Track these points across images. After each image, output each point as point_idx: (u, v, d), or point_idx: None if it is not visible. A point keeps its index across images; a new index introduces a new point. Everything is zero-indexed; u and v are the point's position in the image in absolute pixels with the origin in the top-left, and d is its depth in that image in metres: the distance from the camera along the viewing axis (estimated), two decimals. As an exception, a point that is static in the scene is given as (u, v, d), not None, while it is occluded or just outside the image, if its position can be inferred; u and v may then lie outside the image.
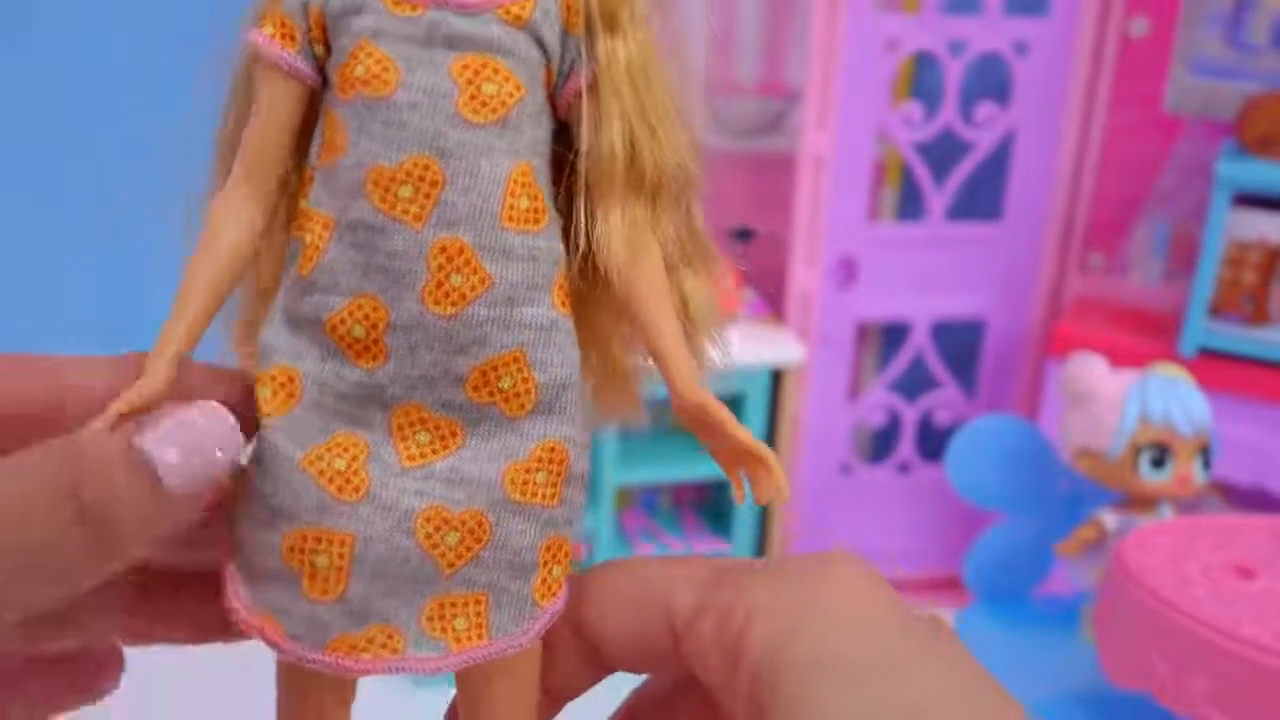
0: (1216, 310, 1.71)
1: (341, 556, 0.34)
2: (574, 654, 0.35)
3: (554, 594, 0.37)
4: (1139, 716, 1.25)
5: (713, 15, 1.95)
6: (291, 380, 0.35)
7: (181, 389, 0.32)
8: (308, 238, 0.36)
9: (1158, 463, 1.40)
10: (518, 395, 0.36)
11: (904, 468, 2.09)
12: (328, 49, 0.36)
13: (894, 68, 1.83)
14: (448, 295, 0.35)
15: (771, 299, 1.98)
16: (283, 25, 0.36)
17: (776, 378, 1.85)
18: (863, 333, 2.08)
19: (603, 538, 1.82)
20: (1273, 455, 1.72)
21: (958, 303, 1.99)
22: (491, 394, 0.37)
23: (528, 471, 0.37)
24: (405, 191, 0.35)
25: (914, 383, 2.05)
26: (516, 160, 0.36)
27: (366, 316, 0.35)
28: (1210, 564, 1.20)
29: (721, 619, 0.30)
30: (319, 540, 0.33)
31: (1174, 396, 1.40)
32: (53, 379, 0.32)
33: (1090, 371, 1.45)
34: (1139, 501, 1.44)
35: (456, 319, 0.35)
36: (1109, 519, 1.44)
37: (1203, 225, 1.71)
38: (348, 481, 0.35)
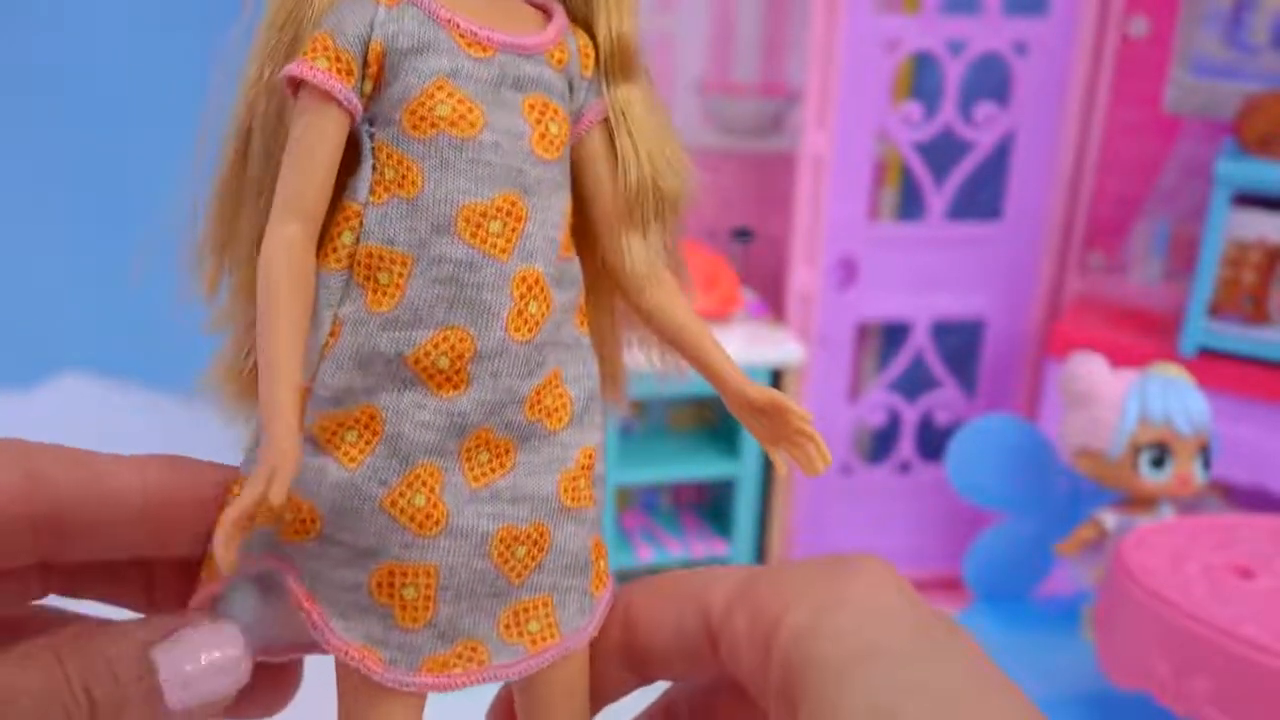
0: (1216, 310, 1.71)
1: (429, 586, 0.35)
2: (616, 657, 0.36)
3: (605, 584, 0.39)
4: (1139, 716, 1.25)
5: (712, 15, 1.95)
6: (374, 419, 0.36)
7: (199, 493, 0.33)
8: (383, 277, 0.36)
9: (1158, 462, 1.40)
10: (557, 410, 0.38)
11: (904, 468, 2.09)
12: (377, 85, 0.36)
13: (894, 68, 1.83)
14: (526, 322, 0.37)
15: (771, 299, 1.98)
16: (338, 59, 0.36)
17: (776, 378, 1.85)
18: (863, 333, 2.08)
19: (603, 538, 1.82)
20: (1272, 455, 1.72)
21: (957, 303, 1.99)
22: (538, 412, 0.38)
23: (574, 479, 0.39)
24: (495, 226, 0.36)
25: (914, 383, 2.05)
26: (568, 194, 0.38)
27: (453, 347, 0.36)
28: (1210, 564, 1.20)
29: (755, 614, 0.31)
30: (406, 574, 0.34)
31: (1174, 396, 1.40)
32: (103, 478, 0.32)
33: (1090, 371, 1.45)
34: (1139, 501, 1.44)
35: (531, 343, 0.37)
36: (1109, 519, 1.44)
37: (1203, 225, 1.71)
38: (428, 517, 0.36)
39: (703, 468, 1.89)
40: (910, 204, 2.00)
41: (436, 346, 0.36)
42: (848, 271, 1.94)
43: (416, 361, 0.36)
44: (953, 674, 0.27)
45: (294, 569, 0.35)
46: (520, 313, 0.36)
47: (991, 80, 1.88)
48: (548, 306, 0.37)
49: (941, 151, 1.90)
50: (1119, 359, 1.52)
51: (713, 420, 1.99)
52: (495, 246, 0.36)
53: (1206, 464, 1.43)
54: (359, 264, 0.37)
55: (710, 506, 2.03)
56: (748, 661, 0.32)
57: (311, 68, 0.36)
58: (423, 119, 0.36)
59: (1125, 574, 1.19)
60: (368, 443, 0.36)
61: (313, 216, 0.36)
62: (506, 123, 0.36)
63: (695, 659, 0.34)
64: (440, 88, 0.36)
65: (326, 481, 0.36)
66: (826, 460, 0.38)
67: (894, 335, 2.08)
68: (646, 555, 1.89)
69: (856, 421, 2.06)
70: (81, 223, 2.17)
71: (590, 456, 0.40)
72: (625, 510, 2.00)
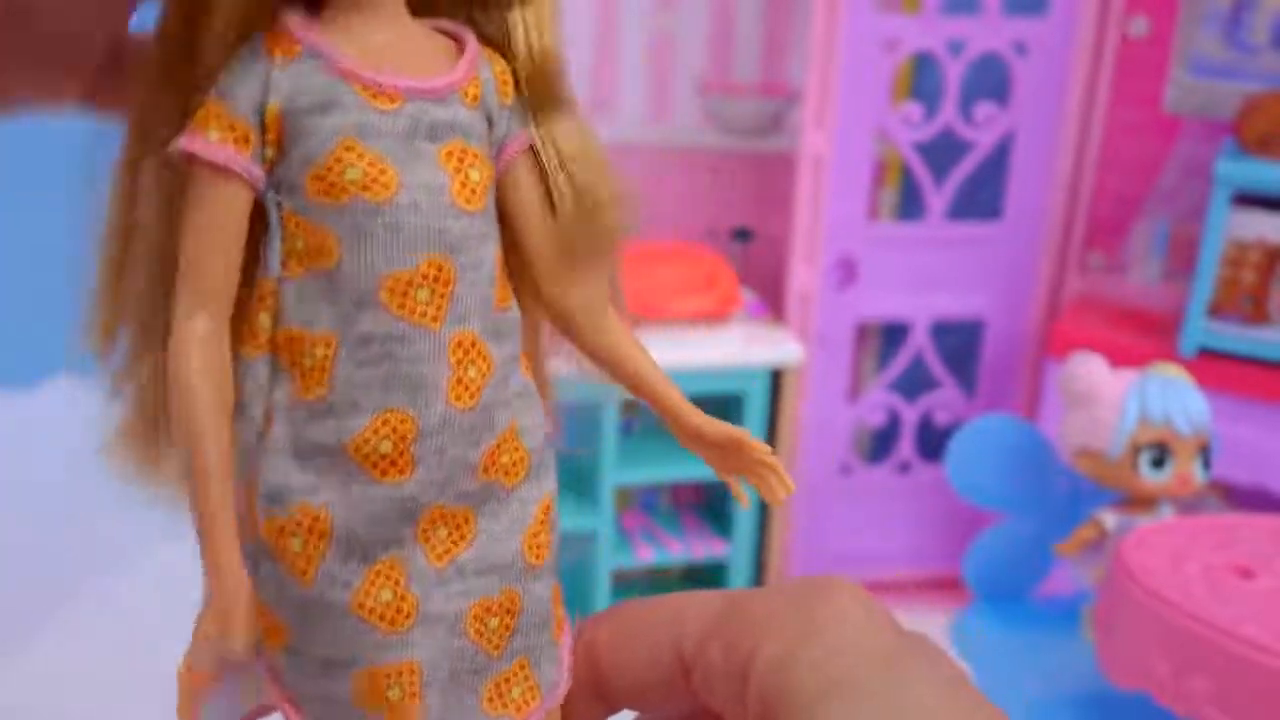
0: (1216, 310, 1.71)
1: (412, 684, 0.34)
2: (588, 691, 0.36)
3: (564, 628, 0.38)
4: (1139, 716, 1.25)
5: (712, 15, 1.95)
6: (318, 519, 0.34)
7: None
8: (308, 362, 0.34)
9: (1158, 462, 1.40)
10: (514, 465, 0.37)
11: (904, 468, 2.09)
12: (280, 150, 0.34)
13: (894, 68, 1.83)
14: (468, 389, 0.35)
15: (771, 299, 1.98)
16: (233, 128, 0.33)
17: (776, 378, 1.85)
18: (862, 333, 2.08)
19: (603, 538, 1.82)
20: (1272, 455, 1.72)
21: (957, 303, 1.99)
22: (495, 472, 0.37)
23: (535, 535, 0.38)
24: (422, 294, 0.34)
25: (914, 383, 2.05)
26: (496, 241, 0.36)
27: (394, 430, 0.34)
28: (1210, 564, 1.20)
29: (729, 646, 0.32)
30: (388, 676, 0.33)
31: (1174, 396, 1.40)
32: None
33: (1090, 371, 1.45)
34: (1139, 501, 1.44)
35: (475, 409, 0.35)
36: (1109, 519, 1.44)
37: (1202, 225, 1.71)
38: (399, 611, 0.35)
39: (703, 468, 1.86)
40: (910, 204, 2.00)
41: (376, 432, 0.34)
42: (847, 271, 1.94)
43: (358, 449, 0.34)
44: (924, 700, 0.28)
45: (275, 675, 0.34)
46: (460, 380, 0.34)
47: (991, 80, 1.88)
48: (488, 366, 0.35)
49: (941, 151, 1.90)
50: (1119, 359, 1.52)
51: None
52: (426, 315, 0.34)
53: (1206, 464, 1.43)
54: (280, 348, 0.35)
55: (710, 506, 2.03)
56: (723, 693, 0.32)
57: (204, 141, 0.34)
58: (333, 184, 0.33)
59: (1125, 574, 1.19)
60: (315, 548, 0.34)
61: (221, 306, 0.34)
62: (423, 177, 0.34)
63: (668, 691, 0.34)
64: (349, 149, 0.33)
65: (285, 595, 0.34)
66: (789, 489, 0.38)
67: (894, 335, 2.08)
68: (646, 555, 1.88)
69: (856, 421, 2.06)
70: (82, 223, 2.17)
71: (548, 507, 0.38)
72: (625, 510, 2.00)
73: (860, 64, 1.80)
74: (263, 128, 0.33)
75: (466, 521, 0.35)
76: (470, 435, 0.34)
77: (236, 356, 0.34)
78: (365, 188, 0.32)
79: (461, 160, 0.35)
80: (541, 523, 0.37)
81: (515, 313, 0.37)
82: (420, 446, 0.34)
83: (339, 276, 0.33)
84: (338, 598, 0.34)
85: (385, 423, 0.33)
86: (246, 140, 0.33)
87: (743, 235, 2.02)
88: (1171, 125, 1.85)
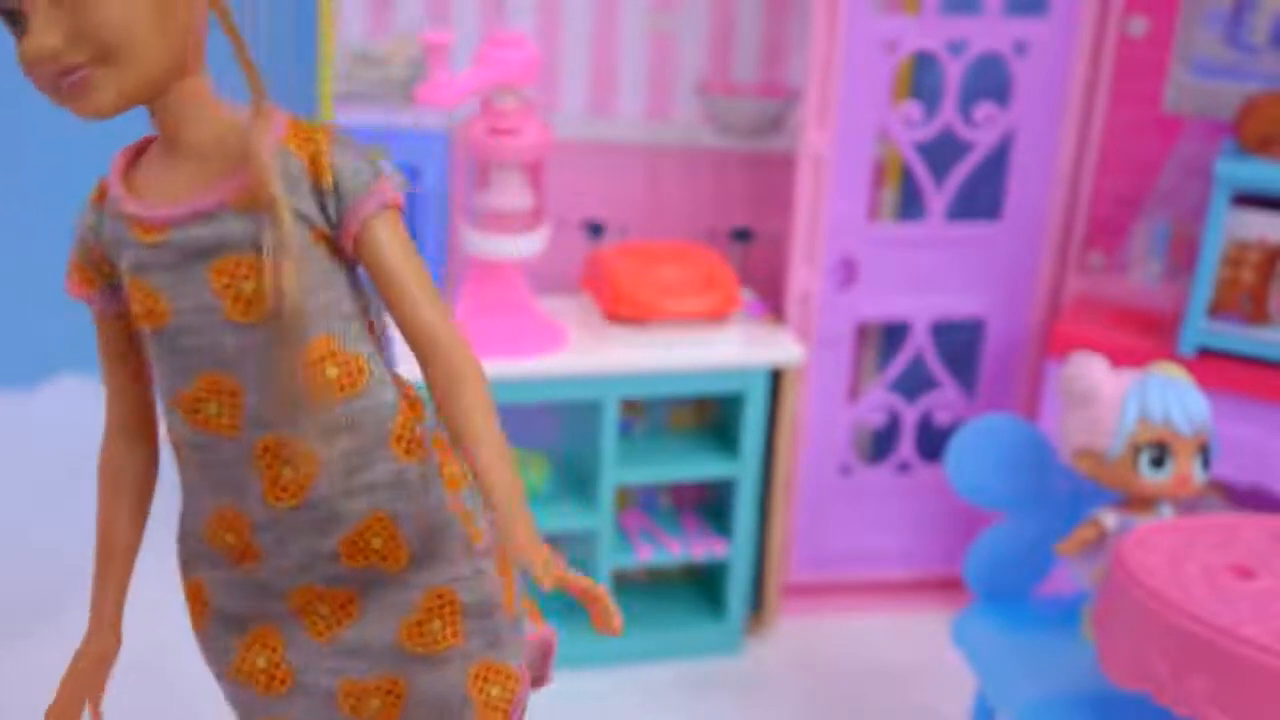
0: (1216, 310, 1.71)
1: None
2: None
3: (502, 710, 0.38)
4: (1139, 716, 1.25)
5: (712, 15, 1.95)
6: (200, 589, 0.37)
7: None
8: (179, 459, 0.37)
9: (1157, 462, 1.40)
10: (392, 552, 0.37)
11: (904, 468, 2.08)
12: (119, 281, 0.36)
13: (894, 68, 1.83)
14: (285, 489, 0.36)
15: (771, 299, 1.98)
16: (80, 269, 0.36)
17: (776, 378, 1.85)
18: (863, 333, 2.08)
19: (603, 538, 1.82)
20: (1272, 455, 1.72)
21: (957, 303, 1.99)
22: (367, 557, 0.37)
23: (420, 625, 0.38)
24: (212, 408, 0.36)
25: (914, 383, 2.04)
26: (314, 336, 0.36)
27: (230, 525, 0.36)
28: (1210, 564, 1.20)
29: None
30: None
31: (1174, 396, 1.40)
32: None
33: (1090, 371, 1.45)
34: (1139, 501, 1.44)
35: (303, 506, 0.36)
36: (1109, 519, 1.44)
37: (1202, 225, 1.71)
38: (273, 678, 0.36)
39: (703, 468, 1.89)
40: (910, 204, 2.00)
41: (219, 523, 0.36)
42: (848, 271, 1.94)
43: (211, 539, 0.36)
44: None
45: None
46: (275, 482, 0.35)
47: (991, 80, 1.88)
48: (314, 465, 0.36)
49: (941, 151, 1.90)
50: (1119, 359, 1.52)
51: (713, 420, 1.99)
52: (221, 425, 0.35)
53: (1206, 464, 1.43)
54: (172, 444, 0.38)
55: (710, 506, 2.03)
56: None
57: (68, 279, 0.37)
58: (134, 315, 0.36)
59: (1125, 573, 1.19)
60: (200, 614, 0.37)
61: (121, 427, 0.37)
62: (195, 300, 0.35)
63: None
64: (132, 284, 0.36)
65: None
66: (611, 622, 0.38)
67: (894, 335, 2.08)
68: (646, 555, 1.88)
69: (856, 421, 2.06)
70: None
71: (443, 596, 0.38)
72: (625, 510, 2.00)
73: (860, 64, 1.80)
74: (98, 266, 0.36)
75: (351, 601, 0.36)
76: (312, 527, 0.35)
77: None
78: (145, 318, 0.35)
79: (233, 276, 0.35)
80: (428, 612, 0.37)
81: (371, 399, 0.37)
82: (258, 539, 0.35)
83: (159, 394, 0.36)
84: (221, 659, 0.36)
85: (222, 517, 0.35)
86: (91, 281, 0.36)
87: (743, 235, 2.02)
88: (1171, 125, 1.85)
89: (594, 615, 0.39)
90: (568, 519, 1.83)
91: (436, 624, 0.36)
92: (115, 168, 0.35)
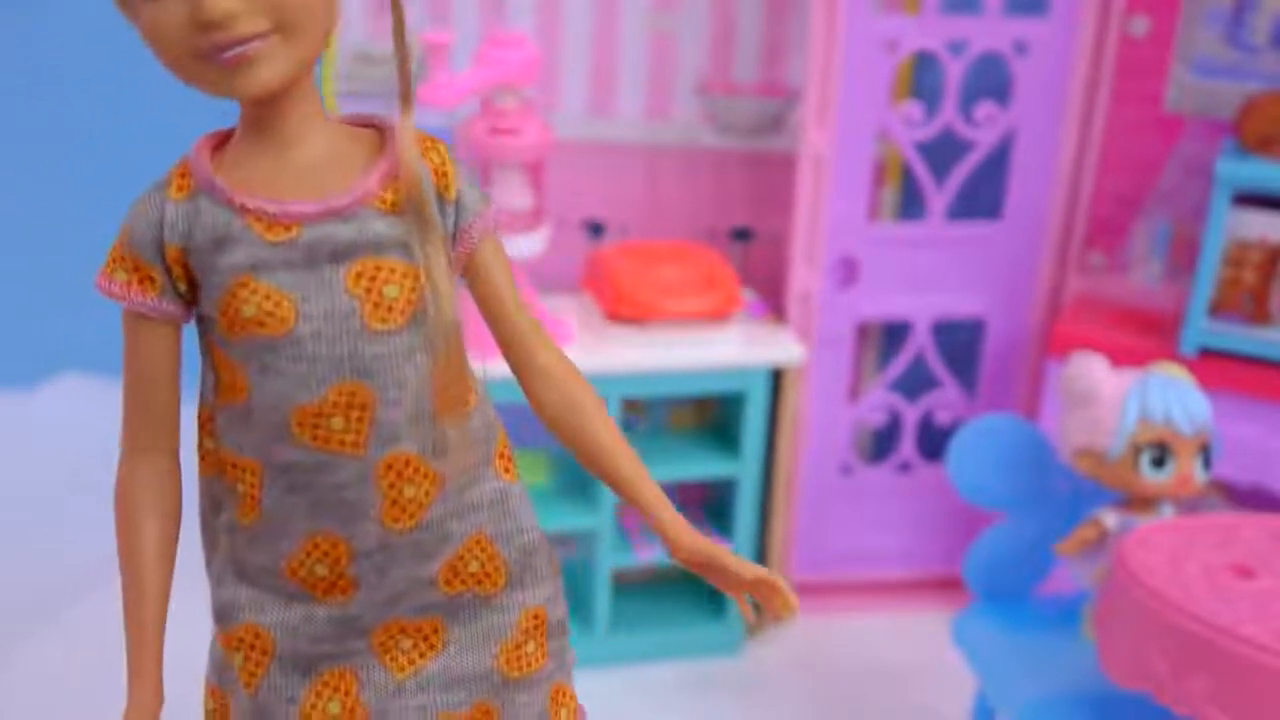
0: (1217, 310, 1.71)
1: None
2: None
3: None
4: (1139, 716, 1.25)
5: (712, 15, 1.95)
6: (259, 637, 0.33)
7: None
8: (240, 487, 0.33)
9: (1158, 462, 1.40)
10: (489, 575, 0.36)
11: (904, 468, 2.08)
12: (192, 285, 0.33)
13: (894, 68, 1.83)
14: (405, 510, 0.34)
15: (771, 299, 1.98)
16: (136, 269, 0.33)
17: (777, 378, 1.85)
18: (863, 332, 2.07)
19: (603, 538, 1.82)
20: (1274, 455, 1.72)
21: (958, 302, 1.99)
22: (464, 581, 0.36)
23: (518, 647, 0.36)
24: (337, 424, 0.33)
25: (914, 382, 2.04)
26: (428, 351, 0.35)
27: (326, 554, 0.33)
28: (1210, 564, 1.20)
29: None
30: None
31: (1174, 396, 1.40)
32: None
33: (1090, 371, 1.45)
34: (1139, 501, 1.44)
35: (419, 528, 0.34)
36: (1109, 519, 1.44)
37: (1203, 225, 1.71)
38: None
39: (703, 468, 1.89)
40: (910, 204, 2.00)
41: (309, 555, 0.33)
42: (848, 271, 1.94)
43: (293, 572, 0.33)
44: None
45: None
46: (394, 502, 0.33)
47: (991, 80, 1.88)
48: (433, 484, 0.34)
49: (942, 151, 1.90)
50: (1119, 359, 1.52)
51: (713, 420, 1.99)
52: (344, 443, 0.33)
53: (1207, 463, 1.43)
54: (223, 470, 0.35)
55: (711, 506, 2.03)
56: None
57: (111, 281, 0.33)
58: (233, 321, 0.33)
59: (1126, 573, 1.19)
60: (258, 664, 0.34)
61: (163, 439, 0.34)
62: (327, 305, 0.32)
63: None
64: (243, 285, 0.33)
65: (237, 707, 0.34)
66: (791, 608, 0.38)
67: (894, 335, 2.07)
68: (646, 555, 1.88)
69: (857, 421, 2.06)
70: (83, 222, 2.17)
71: (537, 616, 0.37)
72: (625, 510, 2.00)
73: (860, 64, 1.80)
74: (166, 266, 0.33)
75: (435, 632, 0.34)
76: (418, 551, 0.33)
77: (200, 472, 0.35)
78: (261, 323, 0.32)
79: (374, 279, 0.33)
80: (525, 633, 0.36)
81: (480, 418, 0.35)
82: (357, 568, 0.33)
83: (251, 410, 0.33)
84: (283, 711, 0.33)
85: (316, 546, 0.33)
86: (152, 280, 0.33)
87: (743, 235, 2.02)
88: (1172, 125, 1.85)
89: (773, 605, 0.40)
90: (568, 519, 1.83)
91: (531, 645, 0.35)
92: (202, 159, 0.32)
